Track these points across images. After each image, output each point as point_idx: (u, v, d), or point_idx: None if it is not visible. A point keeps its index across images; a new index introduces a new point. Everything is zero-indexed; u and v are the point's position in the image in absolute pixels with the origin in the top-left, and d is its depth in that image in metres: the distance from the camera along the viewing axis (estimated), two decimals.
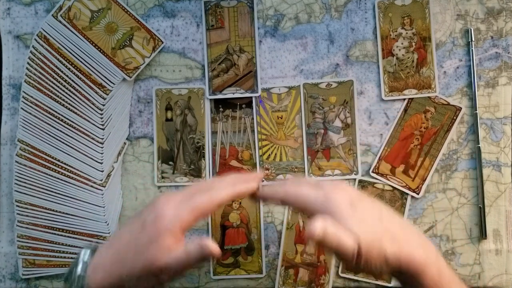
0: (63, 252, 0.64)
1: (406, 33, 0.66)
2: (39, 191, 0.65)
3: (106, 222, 0.65)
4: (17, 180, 0.65)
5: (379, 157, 0.65)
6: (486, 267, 0.64)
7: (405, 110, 0.66)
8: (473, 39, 0.65)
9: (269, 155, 0.66)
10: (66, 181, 0.65)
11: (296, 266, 0.65)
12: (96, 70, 0.65)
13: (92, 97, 0.65)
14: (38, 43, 0.65)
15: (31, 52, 0.65)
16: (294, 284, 0.64)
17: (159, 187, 0.66)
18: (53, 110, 0.65)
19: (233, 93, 0.66)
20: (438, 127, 0.65)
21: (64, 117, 0.65)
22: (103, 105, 0.65)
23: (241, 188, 0.49)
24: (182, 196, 0.47)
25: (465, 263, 0.64)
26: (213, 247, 0.44)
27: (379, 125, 0.66)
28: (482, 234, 0.64)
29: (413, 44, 0.66)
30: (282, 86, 0.67)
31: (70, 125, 0.65)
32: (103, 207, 0.65)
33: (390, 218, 0.46)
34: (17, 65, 0.66)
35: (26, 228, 0.64)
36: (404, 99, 0.66)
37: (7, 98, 0.67)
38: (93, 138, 0.65)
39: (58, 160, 0.65)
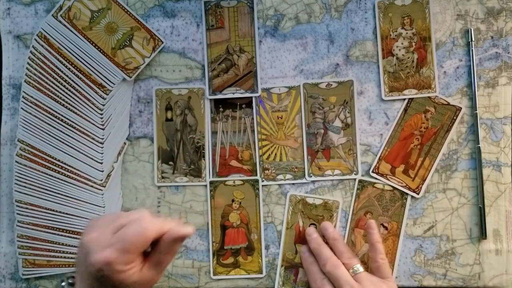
0: (63, 252, 0.64)
1: (406, 33, 0.66)
2: (39, 191, 0.65)
3: None
4: (17, 180, 0.65)
5: (379, 157, 0.65)
6: (486, 267, 0.64)
7: (405, 110, 0.66)
8: (473, 39, 0.65)
9: (269, 155, 0.66)
10: (66, 181, 0.65)
11: (296, 266, 0.65)
12: (96, 70, 0.65)
13: (92, 97, 0.65)
14: (38, 43, 0.65)
15: (31, 52, 0.65)
16: (294, 284, 0.64)
17: (159, 187, 0.66)
18: (53, 110, 0.65)
19: (233, 93, 0.66)
20: (438, 127, 0.65)
21: (64, 117, 0.65)
22: (103, 105, 0.65)
23: (176, 228, 0.47)
24: (111, 228, 0.46)
25: (465, 263, 0.64)
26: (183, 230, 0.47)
27: (379, 125, 0.66)
28: (482, 234, 0.64)
29: (413, 44, 0.66)
30: (282, 86, 0.67)
31: (70, 125, 0.65)
32: (103, 207, 0.65)
33: None
34: (17, 65, 0.66)
35: (26, 228, 0.64)
36: (404, 99, 0.66)
37: (7, 98, 0.67)
38: (93, 138, 0.65)
39: (58, 160, 0.65)
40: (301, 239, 0.65)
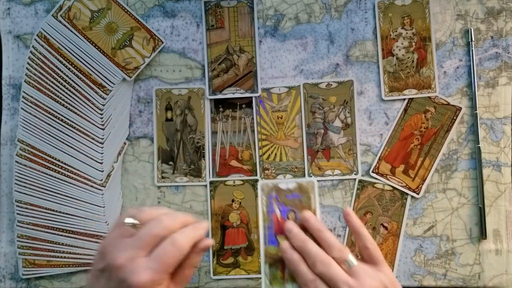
0: (63, 252, 0.64)
1: (406, 33, 0.66)
2: (39, 191, 0.65)
3: (106, 222, 0.65)
4: (17, 180, 0.65)
5: (379, 157, 0.65)
6: (486, 267, 0.64)
7: (405, 110, 0.66)
8: (473, 39, 0.65)
9: (269, 155, 0.66)
10: (66, 181, 0.65)
11: (281, 261, 0.53)
12: (96, 70, 0.65)
13: (92, 97, 0.65)
14: (38, 43, 0.65)
15: (31, 52, 0.65)
16: (282, 281, 0.55)
17: (159, 187, 0.66)
18: (53, 110, 0.65)
19: (233, 93, 0.66)
20: (438, 127, 0.65)
21: (64, 117, 0.65)
22: (103, 105, 0.65)
23: (200, 233, 0.47)
24: (142, 248, 0.45)
25: (465, 263, 0.64)
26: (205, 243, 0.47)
27: (379, 125, 0.66)
28: (482, 234, 0.64)
29: (413, 44, 0.66)
30: (282, 86, 0.67)
31: (70, 125, 0.65)
32: (103, 207, 0.65)
33: None
34: (17, 65, 0.66)
35: (26, 228, 0.64)
36: (404, 99, 0.66)
37: (7, 98, 0.67)
38: (93, 138, 0.65)
39: (58, 160, 0.65)
40: (281, 229, 0.54)
